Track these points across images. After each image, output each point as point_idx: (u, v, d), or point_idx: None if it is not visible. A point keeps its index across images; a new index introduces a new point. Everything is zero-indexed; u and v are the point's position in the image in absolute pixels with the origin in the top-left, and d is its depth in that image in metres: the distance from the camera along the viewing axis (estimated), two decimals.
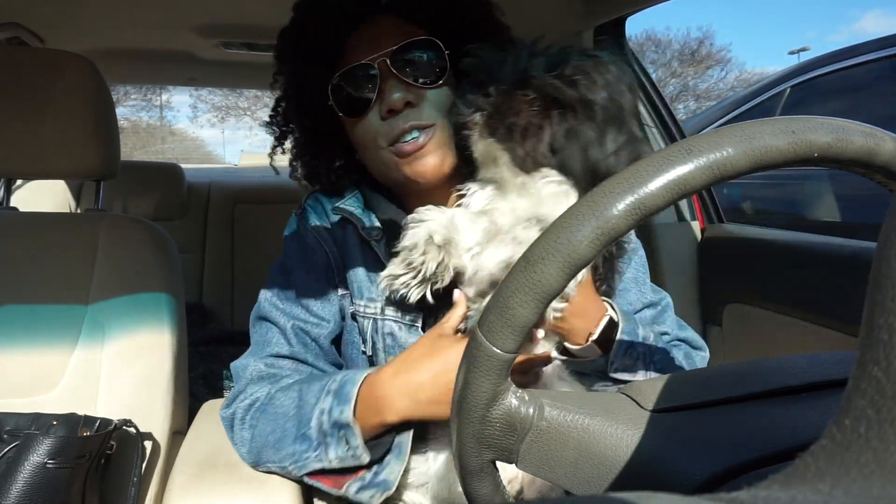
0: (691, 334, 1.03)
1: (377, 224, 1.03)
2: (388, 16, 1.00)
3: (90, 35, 2.12)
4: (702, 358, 1.02)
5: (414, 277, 0.85)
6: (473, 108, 0.83)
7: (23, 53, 1.58)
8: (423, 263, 0.84)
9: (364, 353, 1.02)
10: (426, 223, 0.86)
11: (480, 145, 0.85)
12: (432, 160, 0.95)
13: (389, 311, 0.99)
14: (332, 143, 1.07)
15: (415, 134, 0.93)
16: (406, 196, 1.05)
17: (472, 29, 1.00)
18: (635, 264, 1.04)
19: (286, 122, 1.11)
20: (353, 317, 1.03)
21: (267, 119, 1.12)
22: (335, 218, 1.07)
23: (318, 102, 1.00)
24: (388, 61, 0.93)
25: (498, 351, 0.50)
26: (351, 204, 1.06)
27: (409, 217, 0.89)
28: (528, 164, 0.82)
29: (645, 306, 1.02)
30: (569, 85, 0.79)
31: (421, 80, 0.95)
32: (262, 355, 1.01)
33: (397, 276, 0.86)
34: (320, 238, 1.06)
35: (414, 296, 0.86)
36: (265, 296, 1.05)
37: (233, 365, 1.04)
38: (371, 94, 0.94)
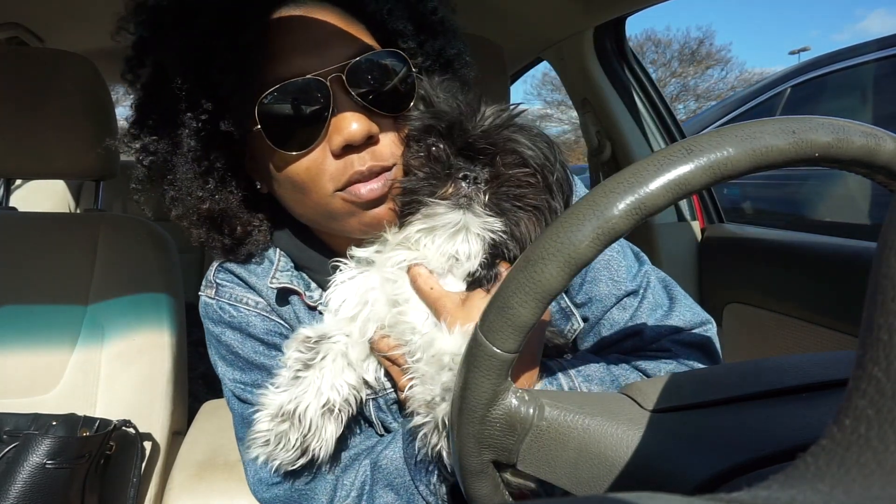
0: (680, 316, 0.87)
1: (319, 289, 0.87)
2: (320, 2, 0.76)
3: (90, 35, 2.12)
4: (707, 336, 0.88)
5: (302, 455, 0.75)
6: (463, 175, 0.70)
7: (23, 53, 1.58)
8: (319, 443, 0.74)
9: (376, 433, 0.88)
10: (324, 390, 0.75)
11: (461, 219, 0.70)
12: (390, 207, 0.76)
13: (387, 383, 0.83)
14: (233, 182, 0.80)
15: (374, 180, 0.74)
16: (331, 236, 0.86)
17: (428, 30, 0.82)
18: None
19: (154, 144, 0.78)
20: None
21: (129, 140, 0.81)
22: (270, 292, 0.86)
23: (215, 125, 0.72)
24: (344, 77, 0.71)
25: (498, 351, 0.50)
26: (284, 271, 0.87)
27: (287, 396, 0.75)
28: (520, 244, 0.72)
29: (621, 298, 0.86)
30: (554, 168, 0.73)
31: (384, 108, 0.74)
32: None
33: (281, 459, 0.75)
34: (263, 320, 0.86)
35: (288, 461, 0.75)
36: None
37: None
38: (320, 122, 0.72)
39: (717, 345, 0.88)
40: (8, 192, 1.65)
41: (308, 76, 0.71)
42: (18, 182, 2.71)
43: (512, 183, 0.71)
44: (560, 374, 0.77)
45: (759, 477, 0.45)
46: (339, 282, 0.79)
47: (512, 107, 0.75)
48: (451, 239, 0.72)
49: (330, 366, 0.76)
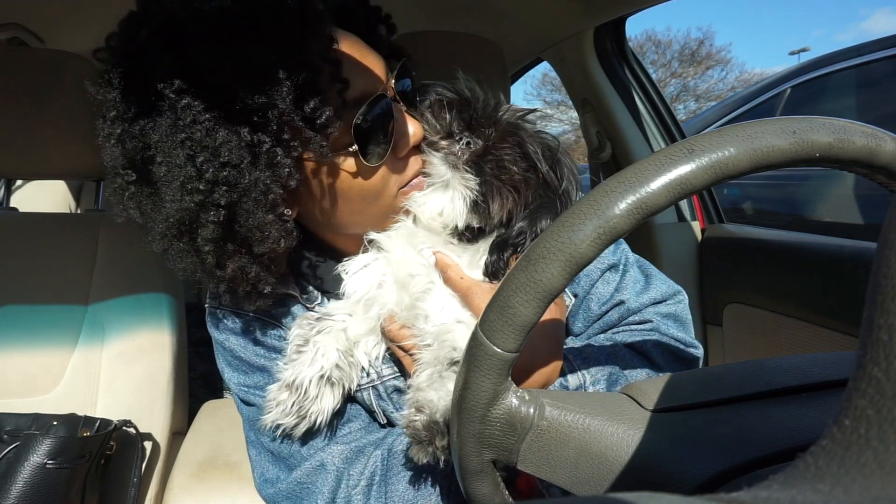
0: (657, 289, 0.94)
1: (317, 293, 0.92)
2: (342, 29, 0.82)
3: (90, 35, 2.12)
4: (681, 305, 0.95)
5: (301, 420, 0.81)
6: (458, 138, 0.80)
7: (23, 53, 1.58)
8: (317, 408, 0.80)
9: (379, 423, 0.91)
10: (317, 359, 0.81)
11: (448, 174, 0.79)
12: None
13: (386, 370, 0.87)
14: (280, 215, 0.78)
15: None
16: (349, 240, 0.90)
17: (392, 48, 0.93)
18: None
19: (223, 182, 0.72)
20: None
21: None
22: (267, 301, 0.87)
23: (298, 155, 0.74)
24: (395, 87, 0.82)
25: (499, 350, 0.50)
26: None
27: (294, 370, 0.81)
28: (487, 215, 0.79)
29: (604, 271, 0.93)
30: (552, 163, 0.80)
31: (415, 113, 0.85)
32: (330, 441, 0.87)
33: (283, 423, 0.81)
34: (262, 325, 0.91)
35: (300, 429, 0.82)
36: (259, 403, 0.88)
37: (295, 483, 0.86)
38: (391, 132, 0.80)
39: (689, 313, 0.98)
40: (8, 193, 1.66)
41: (378, 93, 0.78)
42: (19, 182, 2.72)
43: (496, 157, 0.79)
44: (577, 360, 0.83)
45: (760, 477, 0.46)
46: (353, 270, 0.85)
47: (526, 110, 0.85)
48: (438, 192, 0.80)
49: (324, 339, 0.82)
